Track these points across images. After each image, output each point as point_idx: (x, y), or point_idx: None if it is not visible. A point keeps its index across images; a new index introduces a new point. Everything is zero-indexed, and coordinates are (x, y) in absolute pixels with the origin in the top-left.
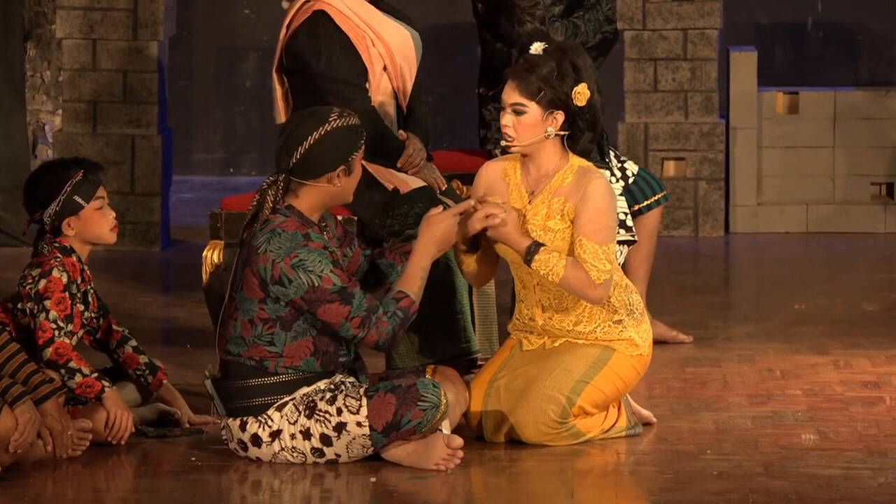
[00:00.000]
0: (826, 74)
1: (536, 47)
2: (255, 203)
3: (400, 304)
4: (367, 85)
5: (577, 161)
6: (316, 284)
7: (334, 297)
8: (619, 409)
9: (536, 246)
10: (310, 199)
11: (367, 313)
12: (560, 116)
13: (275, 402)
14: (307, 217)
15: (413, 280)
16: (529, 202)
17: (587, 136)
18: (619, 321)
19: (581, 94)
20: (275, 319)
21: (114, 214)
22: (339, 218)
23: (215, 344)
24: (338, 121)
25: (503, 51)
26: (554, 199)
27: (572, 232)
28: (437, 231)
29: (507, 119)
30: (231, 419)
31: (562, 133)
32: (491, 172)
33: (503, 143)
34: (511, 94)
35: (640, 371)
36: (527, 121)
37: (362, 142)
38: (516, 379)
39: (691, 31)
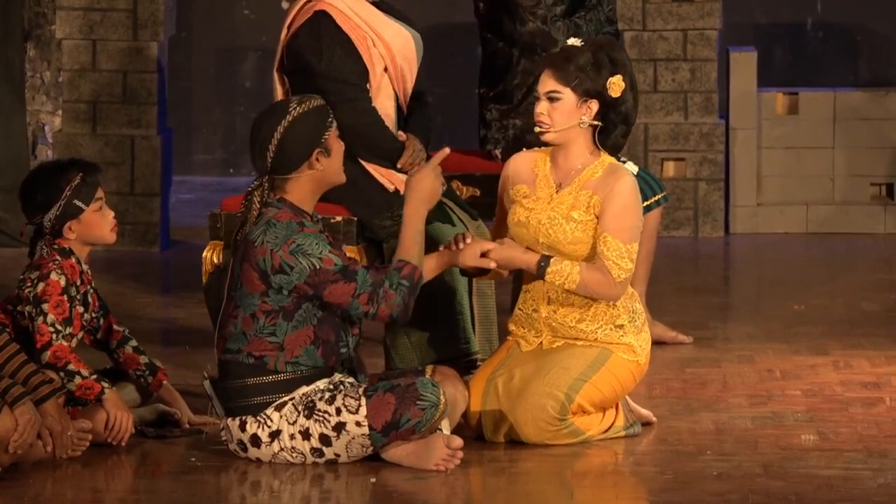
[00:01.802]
0: (826, 75)
1: (574, 40)
2: (242, 208)
3: (402, 272)
4: (368, 85)
5: (607, 158)
6: (317, 267)
7: (338, 277)
8: (616, 409)
9: (546, 259)
10: (299, 189)
11: (374, 287)
12: (594, 105)
13: (273, 402)
14: (299, 208)
15: (411, 246)
16: (556, 192)
17: (619, 130)
18: (621, 326)
19: (616, 84)
20: (277, 310)
21: (113, 214)
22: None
23: (214, 344)
24: (298, 108)
25: (505, 50)
26: (581, 192)
27: (597, 228)
28: (422, 189)
29: (541, 107)
30: (230, 419)
31: (595, 123)
32: (520, 162)
33: (536, 129)
34: (546, 83)
35: (637, 377)
36: (562, 107)
37: (331, 120)
38: (513, 378)
39: (691, 32)
